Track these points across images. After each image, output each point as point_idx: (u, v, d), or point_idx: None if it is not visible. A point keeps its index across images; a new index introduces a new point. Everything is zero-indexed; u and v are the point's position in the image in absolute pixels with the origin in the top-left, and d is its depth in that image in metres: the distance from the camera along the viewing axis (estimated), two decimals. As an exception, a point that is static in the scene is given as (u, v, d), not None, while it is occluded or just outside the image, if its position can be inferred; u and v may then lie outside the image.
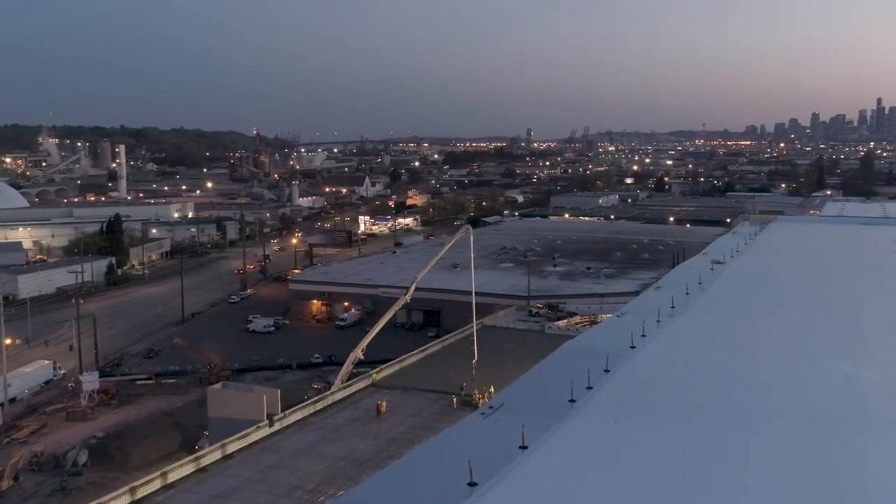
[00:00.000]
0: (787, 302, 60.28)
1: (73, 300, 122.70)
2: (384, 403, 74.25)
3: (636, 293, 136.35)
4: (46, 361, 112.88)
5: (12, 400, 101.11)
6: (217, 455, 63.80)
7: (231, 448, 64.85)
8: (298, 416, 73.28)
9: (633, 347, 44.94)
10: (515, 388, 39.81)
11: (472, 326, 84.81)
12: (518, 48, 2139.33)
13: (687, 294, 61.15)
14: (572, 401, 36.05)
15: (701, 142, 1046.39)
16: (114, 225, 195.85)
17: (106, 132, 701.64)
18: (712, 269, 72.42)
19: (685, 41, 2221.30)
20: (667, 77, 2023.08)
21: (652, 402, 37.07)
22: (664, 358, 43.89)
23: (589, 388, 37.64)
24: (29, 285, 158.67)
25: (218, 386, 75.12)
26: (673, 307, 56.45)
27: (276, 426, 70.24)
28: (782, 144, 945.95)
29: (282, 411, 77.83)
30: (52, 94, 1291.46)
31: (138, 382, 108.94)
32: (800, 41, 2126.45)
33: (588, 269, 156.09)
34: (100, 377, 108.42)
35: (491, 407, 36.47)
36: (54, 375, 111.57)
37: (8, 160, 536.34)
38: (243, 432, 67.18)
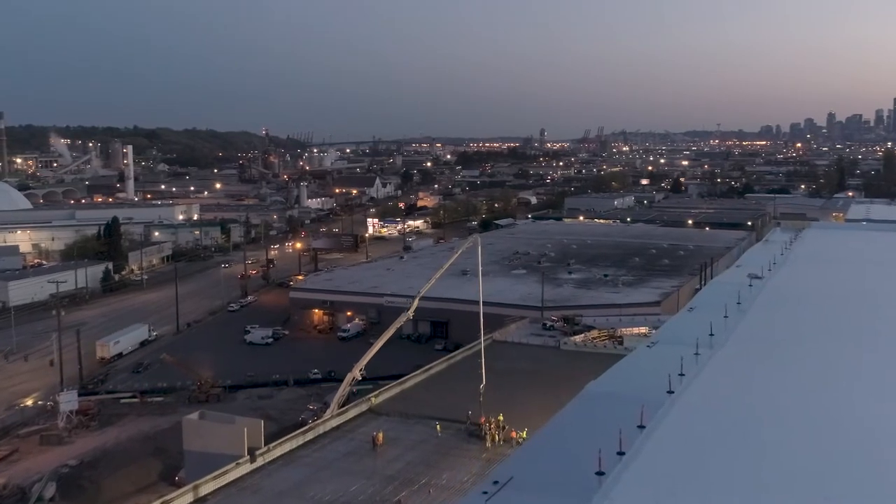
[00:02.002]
0: (846, 327, 52.32)
1: (55, 311, 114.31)
2: (381, 435, 66.36)
3: (657, 303, 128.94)
4: (144, 325, 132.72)
5: (119, 355, 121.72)
6: (188, 498, 56.17)
7: (205, 489, 57.22)
8: (286, 448, 65.59)
9: (670, 392, 37.03)
10: (527, 454, 32.15)
11: (481, 344, 76.44)
12: (531, 48, 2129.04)
13: (726, 317, 53.24)
14: (600, 473, 28.24)
15: (716, 142, 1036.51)
16: (111, 228, 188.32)
17: (119, 133, 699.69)
18: (750, 285, 64.37)
19: (699, 40, 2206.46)
20: (681, 77, 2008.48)
21: (703, 475, 29.14)
22: (711, 408, 35.93)
23: (620, 453, 29.79)
24: (20, 292, 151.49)
25: (194, 416, 67.38)
26: (711, 334, 48.53)
27: (259, 461, 62.58)
28: (799, 144, 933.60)
29: (271, 439, 70.93)
30: (67, 95, 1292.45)
31: (122, 401, 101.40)
32: (815, 40, 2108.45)
33: (605, 276, 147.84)
34: (82, 395, 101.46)
35: (496, 482, 28.62)
36: (149, 337, 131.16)
37: (19, 161, 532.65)
38: (221, 470, 59.53)
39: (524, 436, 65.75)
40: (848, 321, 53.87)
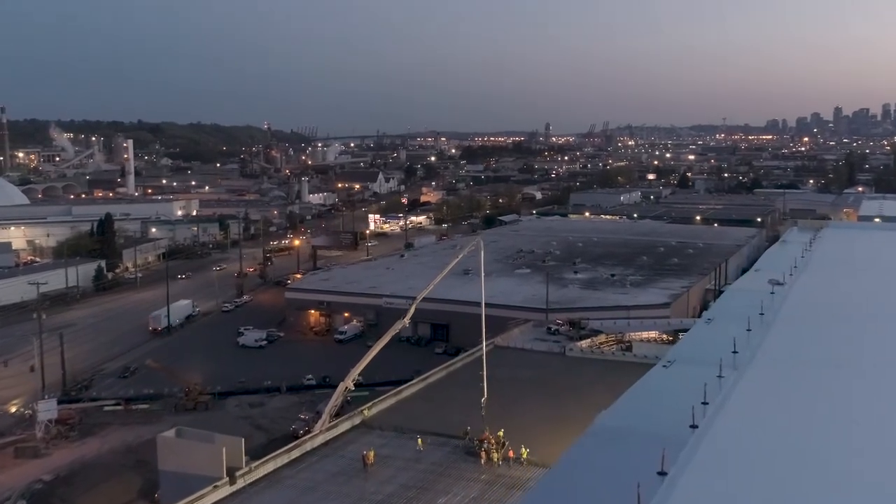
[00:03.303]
0: (888, 343, 47.07)
1: (35, 314, 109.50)
2: (372, 454, 61.39)
3: (666, 305, 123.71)
4: (188, 300, 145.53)
5: (168, 328, 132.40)
6: (159, 527, 51.42)
7: (178, 517, 52.43)
8: (269, 467, 60.75)
9: (693, 427, 32.03)
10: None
11: (483, 354, 71.06)
12: (537, 43, 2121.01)
13: (748, 330, 48.19)
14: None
15: (721, 136, 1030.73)
16: (104, 225, 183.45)
17: (123, 127, 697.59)
18: (772, 292, 59.24)
19: (703, 35, 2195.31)
20: (686, 71, 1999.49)
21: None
22: (742, 448, 30.89)
23: (639, 510, 24.83)
24: (7, 291, 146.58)
25: (170, 433, 62.56)
26: (735, 352, 43.53)
27: (240, 482, 57.78)
28: (805, 139, 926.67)
29: (260, 451, 66.60)
30: (72, 90, 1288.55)
31: (106, 409, 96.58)
32: (821, 34, 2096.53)
33: (612, 276, 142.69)
34: (65, 402, 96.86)
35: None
36: (193, 312, 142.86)
37: (21, 155, 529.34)
38: (196, 494, 54.74)
39: (525, 455, 60.91)
40: (889, 336, 48.75)
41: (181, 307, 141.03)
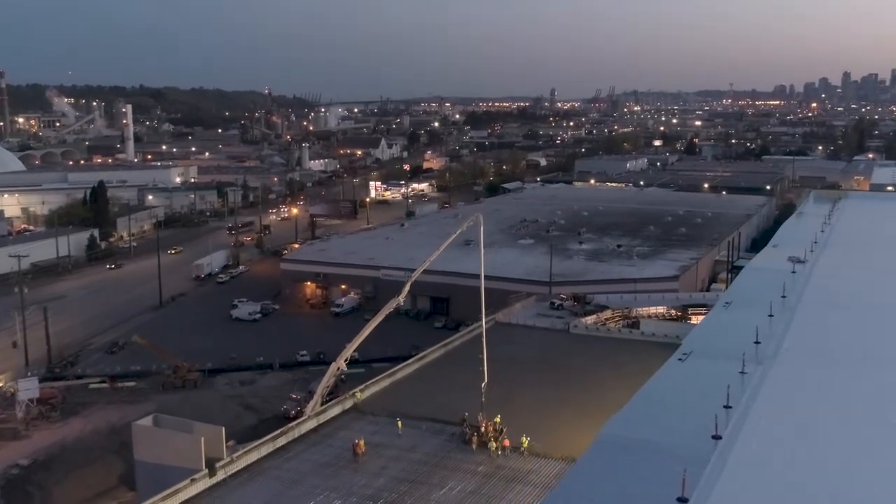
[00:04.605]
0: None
1: (17, 288, 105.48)
2: (362, 442, 57.33)
3: (675, 278, 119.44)
4: (226, 250, 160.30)
5: (210, 274, 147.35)
6: (130, 525, 47.64)
7: (151, 514, 48.61)
8: (252, 457, 56.81)
9: (716, 438, 27.85)
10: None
11: (483, 335, 66.43)
12: (542, 6, 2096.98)
13: (770, 316, 43.87)
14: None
15: (728, 102, 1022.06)
16: (97, 193, 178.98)
17: (125, 92, 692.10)
18: (793, 271, 54.83)
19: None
20: (693, 35, 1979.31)
21: None
22: (774, 466, 26.71)
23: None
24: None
25: (147, 421, 58.54)
26: (757, 342, 39.25)
27: (220, 475, 53.89)
28: (813, 104, 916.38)
29: (249, 433, 62.94)
30: (74, 54, 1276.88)
31: (91, 386, 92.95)
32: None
33: (618, 246, 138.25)
34: (50, 379, 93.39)
35: None
36: (228, 262, 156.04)
37: (21, 120, 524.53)
38: (173, 487, 50.89)
39: (525, 444, 56.86)
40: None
41: (218, 257, 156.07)
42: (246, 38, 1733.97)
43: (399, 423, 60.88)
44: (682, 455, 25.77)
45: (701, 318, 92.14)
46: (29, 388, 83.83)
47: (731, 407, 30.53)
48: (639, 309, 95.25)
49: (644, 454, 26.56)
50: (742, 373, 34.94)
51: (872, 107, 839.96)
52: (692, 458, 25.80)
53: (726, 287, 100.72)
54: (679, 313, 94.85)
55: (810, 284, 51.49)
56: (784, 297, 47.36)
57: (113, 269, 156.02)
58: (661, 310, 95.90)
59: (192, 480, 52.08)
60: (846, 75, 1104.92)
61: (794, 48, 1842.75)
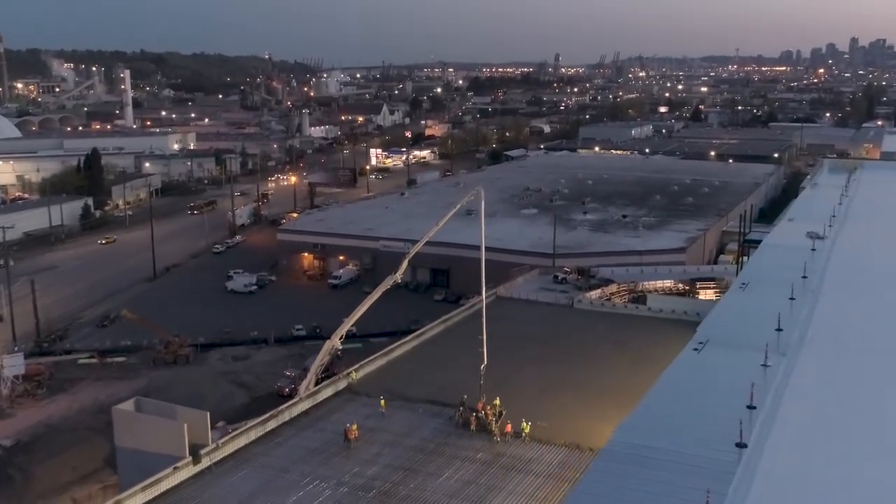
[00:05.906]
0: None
1: (2, 261, 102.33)
2: (355, 427, 54.47)
3: (682, 250, 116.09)
4: (251, 205, 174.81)
5: (242, 226, 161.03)
6: (107, 518, 44.90)
7: (129, 505, 45.86)
8: (240, 442, 54.03)
9: (741, 447, 24.71)
10: None
11: (483, 315, 63.10)
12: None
13: (792, 299, 40.63)
14: None
15: (734, 67, 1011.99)
16: (91, 160, 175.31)
17: (126, 57, 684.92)
18: (813, 249, 51.54)
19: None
20: (698, 0, 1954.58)
21: None
22: (810, 480, 23.62)
23: None
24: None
25: (128, 405, 55.68)
26: (779, 329, 36.05)
27: (205, 462, 51.12)
28: (820, 70, 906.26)
29: (241, 411, 60.19)
30: (74, 19, 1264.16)
31: (80, 362, 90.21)
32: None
33: (624, 217, 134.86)
34: (37, 354, 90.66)
35: None
36: (252, 215, 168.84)
37: (20, 86, 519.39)
38: (155, 477, 48.15)
39: (526, 429, 53.94)
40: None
41: (246, 210, 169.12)
42: (248, 2, 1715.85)
43: (382, 401, 58.19)
44: (702, 467, 22.70)
45: (709, 292, 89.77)
46: (14, 365, 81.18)
47: (754, 407, 27.43)
48: (645, 283, 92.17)
49: (658, 467, 23.52)
50: (764, 365, 31.79)
51: (880, 73, 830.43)
52: (714, 471, 22.71)
53: (735, 261, 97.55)
54: (686, 287, 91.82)
55: (832, 263, 48.23)
56: (805, 277, 44.10)
57: (105, 244, 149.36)
58: (668, 283, 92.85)
59: (175, 469, 49.38)
60: (854, 41, 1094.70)
61: (800, 13, 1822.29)
